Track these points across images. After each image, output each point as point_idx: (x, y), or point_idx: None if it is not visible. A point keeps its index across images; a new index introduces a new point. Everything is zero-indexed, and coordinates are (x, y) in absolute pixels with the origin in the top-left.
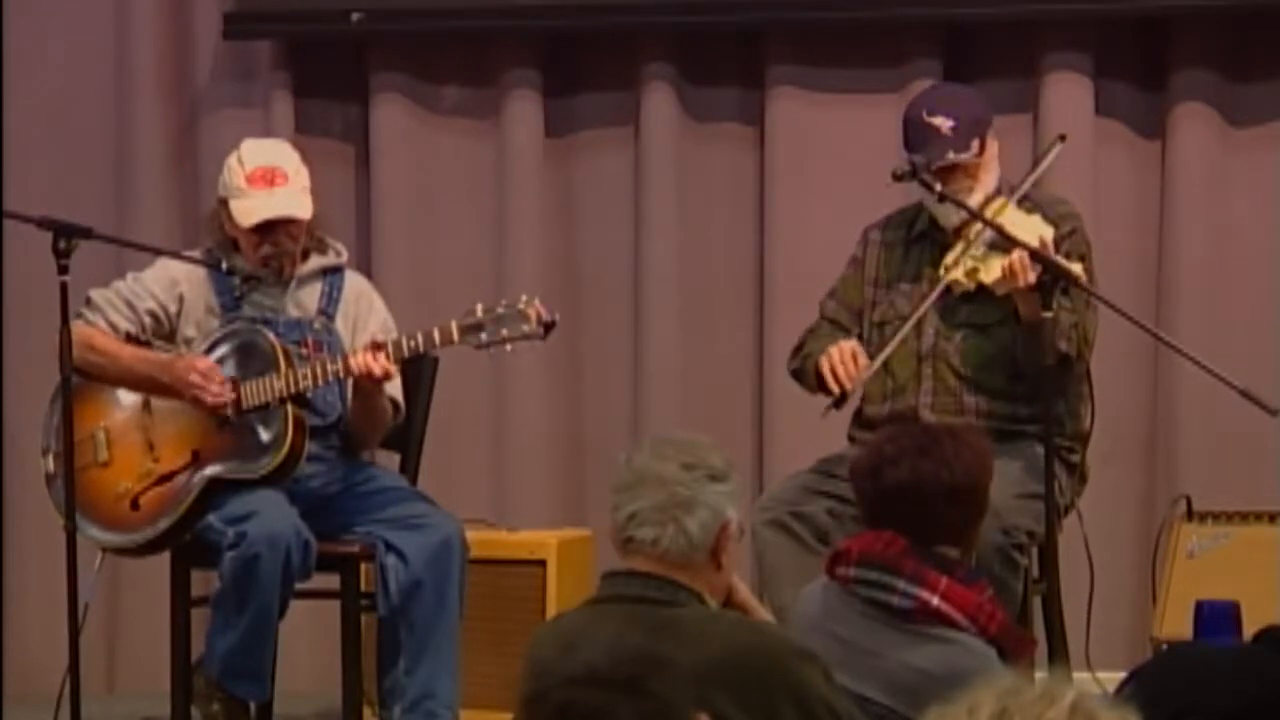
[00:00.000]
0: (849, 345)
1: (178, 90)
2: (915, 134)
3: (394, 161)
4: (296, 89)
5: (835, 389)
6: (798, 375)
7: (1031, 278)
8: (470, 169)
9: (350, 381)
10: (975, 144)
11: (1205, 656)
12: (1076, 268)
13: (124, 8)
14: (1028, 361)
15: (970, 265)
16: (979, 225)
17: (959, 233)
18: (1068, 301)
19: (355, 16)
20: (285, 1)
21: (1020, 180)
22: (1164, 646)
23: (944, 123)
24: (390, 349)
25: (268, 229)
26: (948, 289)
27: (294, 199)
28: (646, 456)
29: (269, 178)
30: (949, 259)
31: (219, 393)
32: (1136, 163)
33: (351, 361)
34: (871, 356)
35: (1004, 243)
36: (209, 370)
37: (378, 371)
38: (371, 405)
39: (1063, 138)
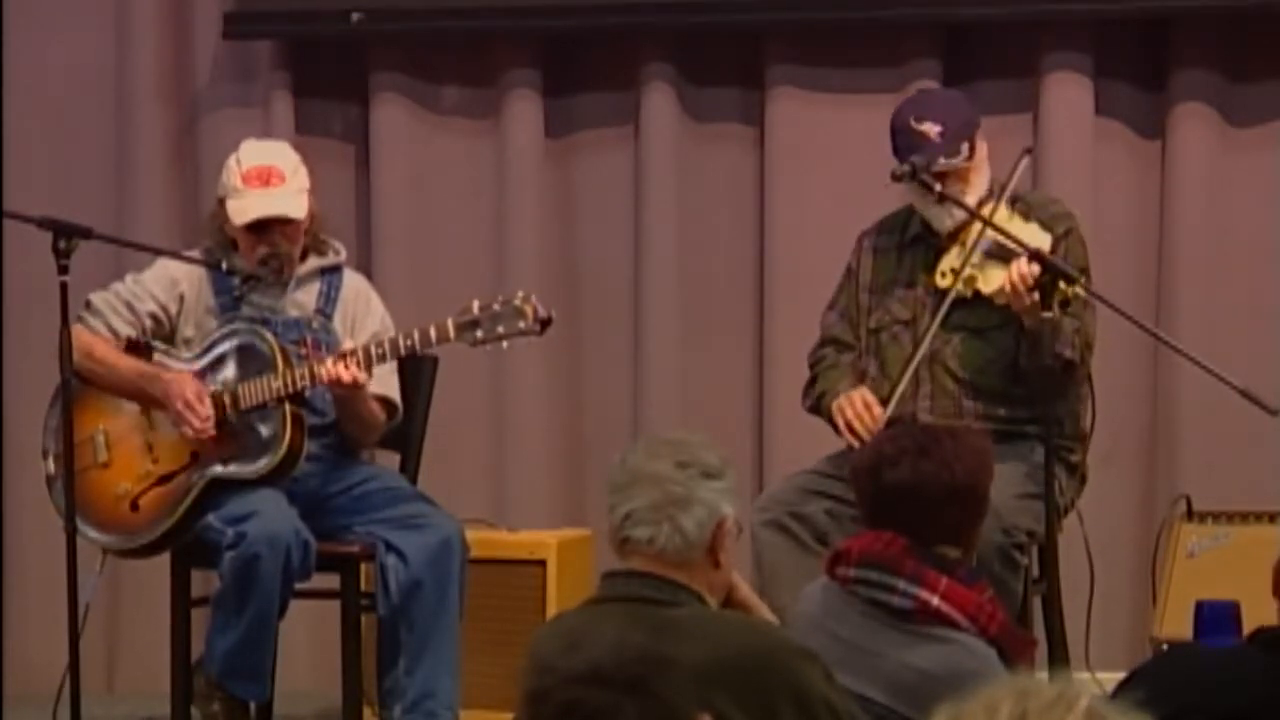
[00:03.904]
0: (859, 396)
1: (178, 90)
2: (903, 141)
3: (394, 161)
4: (296, 89)
5: (857, 444)
6: (814, 412)
7: (1033, 298)
8: (470, 169)
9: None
10: (965, 148)
11: (1203, 657)
12: (1079, 290)
13: (124, 8)
14: (1032, 366)
15: (968, 274)
16: (976, 231)
17: (954, 237)
18: (1070, 308)
19: (355, 16)
20: (285, 1)
21: (995, 198)
22: (1164, 646)
23: (931, 129)
24: (360, 355)
25: (262, 229)
26: (946, 294)
27: (288, 199)
28: (640, 456)
29: (264, 177)
30: (945, 264)
31: (201, 428)
32: (1136, 163)
33: (321, 372)
34: (874, 366)
35: (999, 250)
36: (192, 402)
37: (346, 379)
38: (353, 411)
39: (1029, 151)
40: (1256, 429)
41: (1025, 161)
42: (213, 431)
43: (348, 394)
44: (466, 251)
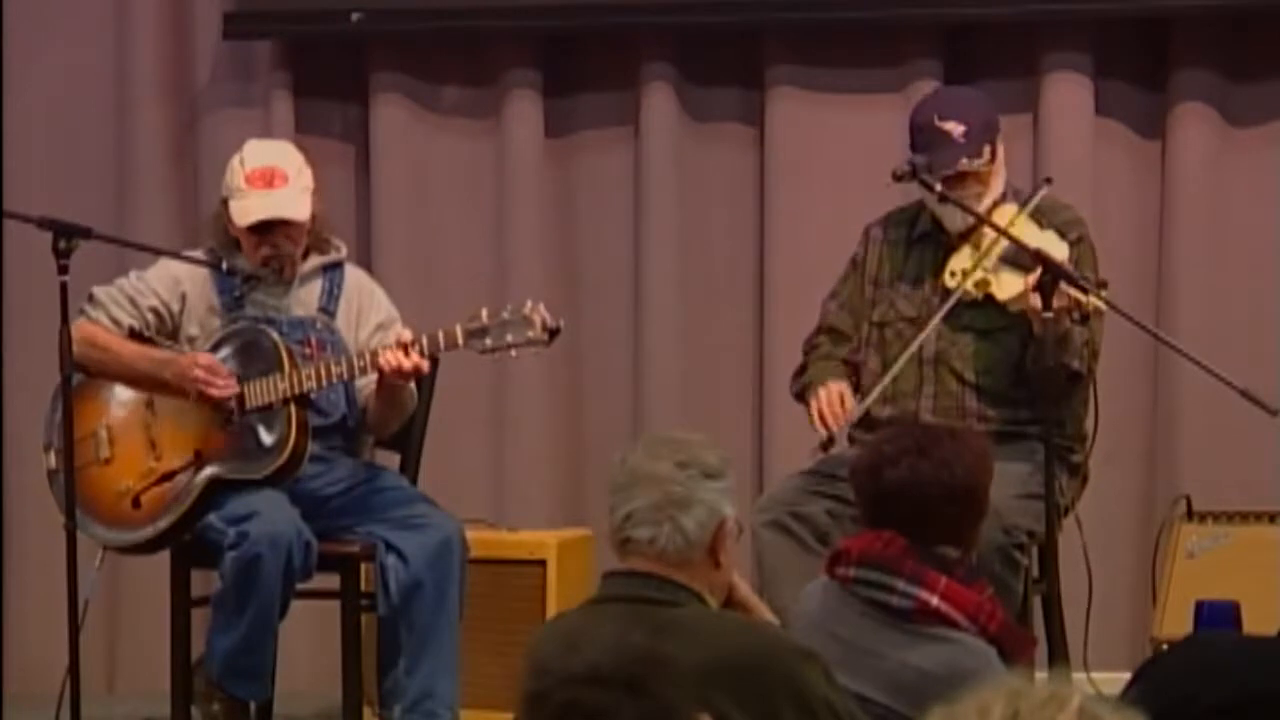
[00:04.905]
0: (836, 388)
1: (178, 90)
2: (925, 139)
3: (394, 161)
4: (296, 89)
5: (823, 431)
6: (799, 399)
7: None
8: (470, 169)
9: (376, 377)
10: (987, 150)
11: (1216, 647)
12: (1098, 302)
13: (124, 8)
14: (1037, 369)
15: (980, 276)
16: (991, 235)
17: (965, 237)
18: (1089, 321)
19: (355, 16)
20: (285, 1)
21: (1018, 205)
22: (1164, 646)
23: (956, 128)
24: (425, 344)
25: (265, 230)
26: (951, 293)
27: (291, 200)
28: (640, 456)
29: (268, 178)
30: (955, 264)
31: (225, 386)
32: (1136, 163)
33: (382, 359)
34: (876, 361)
35: (1017, 256)
36: (212, 365)
37: (408, 367)
38: (399, 398)
39: (1049, 180)
40: (1256, 429)
41: (1044, 190)
42: (238, 390)
43: (401, 383)
44: (466, 251)
